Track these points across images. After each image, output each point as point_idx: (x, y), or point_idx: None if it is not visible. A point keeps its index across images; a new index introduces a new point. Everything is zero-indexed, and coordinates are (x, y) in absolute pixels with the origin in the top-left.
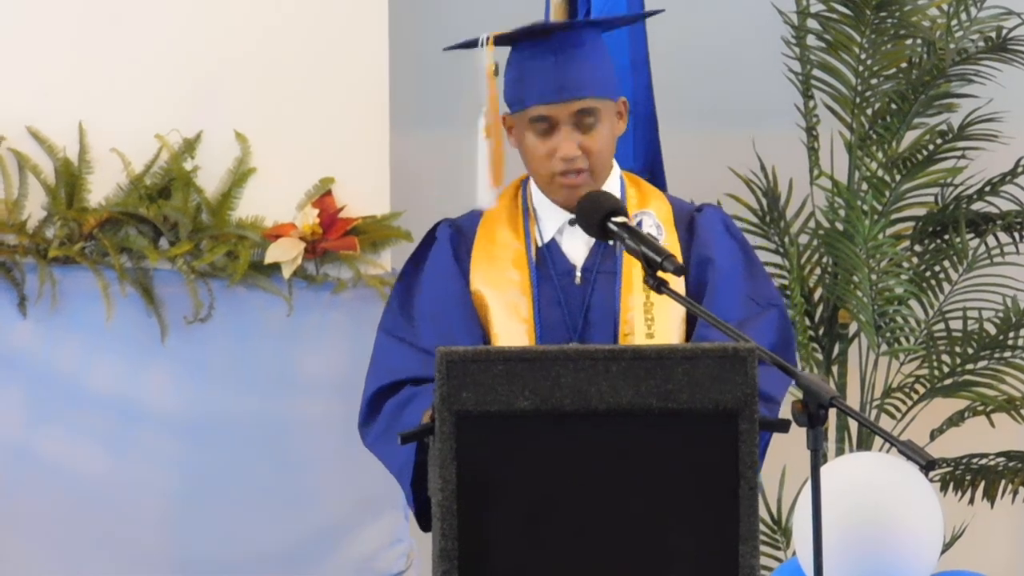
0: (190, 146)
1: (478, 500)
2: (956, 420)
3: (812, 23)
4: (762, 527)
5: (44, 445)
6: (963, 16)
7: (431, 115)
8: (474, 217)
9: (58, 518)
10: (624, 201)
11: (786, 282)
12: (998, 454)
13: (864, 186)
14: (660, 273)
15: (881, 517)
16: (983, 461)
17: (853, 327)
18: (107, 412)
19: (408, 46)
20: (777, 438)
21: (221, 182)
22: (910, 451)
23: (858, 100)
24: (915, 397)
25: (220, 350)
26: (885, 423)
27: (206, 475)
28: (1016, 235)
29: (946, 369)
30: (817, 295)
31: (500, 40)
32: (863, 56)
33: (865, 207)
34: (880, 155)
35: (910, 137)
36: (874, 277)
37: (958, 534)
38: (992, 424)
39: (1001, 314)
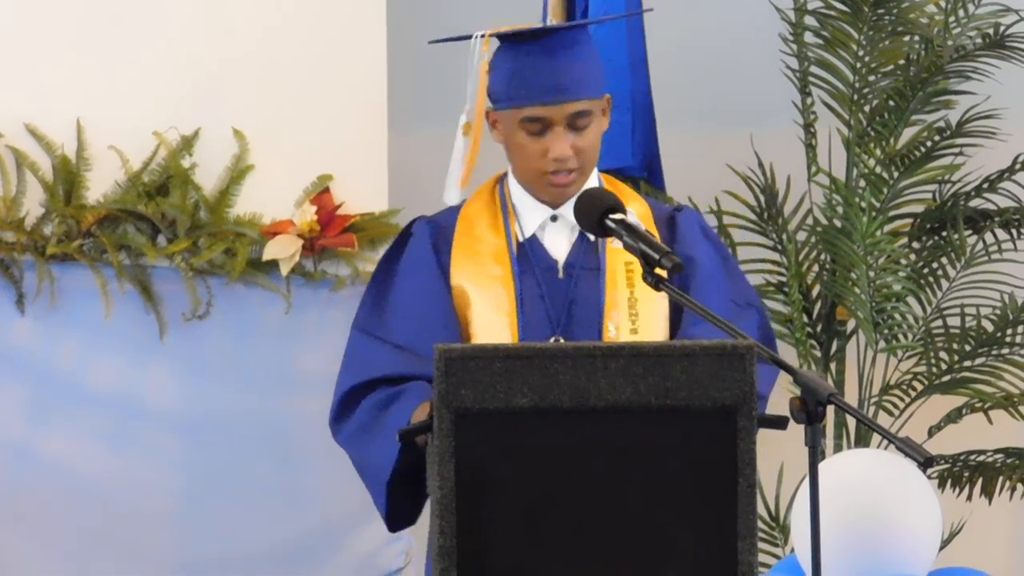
0: (188, 143)
1: (477, 498)
2: (954, 417)
3: (810, 20)
4: (760, 524)
5: (44, 443)
6: (961, 13)
7: (429, 112)
8: (451, 214)
9: (58, 515)
10: None
11: (784, 279)
12: (996, 451)
13: (862, 183)
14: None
15: (879, 514)
16: (981, 458)
17: (851, 324)
18: (107, 410)
19: (406, 43)
20: (775, 435)
21: (219, 179)
22: (908, 448)
23: (856, 97)
24: (913, 394)
25: (219, 347)
26: (883, 420)
27: (206, 472)
28: (1014, 232)
29: (944, 366)
30: (815, 292)
31: (497, 38)
32: (861, 53)
33: (863, 204)
34: (878, 152)
35: (908, 134)
36: (872, 274)
37: (956, 531)
38: (990, 421)
39: (999, 311)
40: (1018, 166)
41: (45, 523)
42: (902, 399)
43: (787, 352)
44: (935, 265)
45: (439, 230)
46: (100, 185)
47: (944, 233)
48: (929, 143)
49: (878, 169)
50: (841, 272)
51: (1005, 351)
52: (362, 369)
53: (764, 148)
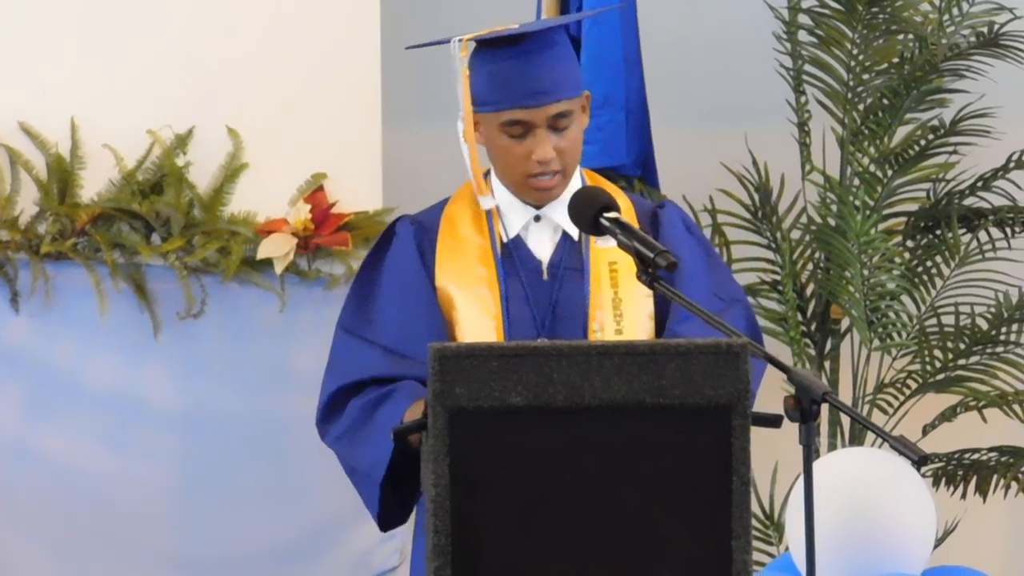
0: (182, 142)
1: (471, 496)
2: (948, 415)
3: (804, 19)
4: (754, 522)
5: (40, 441)
6: (955, 11)
7: (423, 111)
8: (434, 213)
9: (54, 514)
10: None
11: (778, 277)
12: (990, 449)
13: (856, 181)
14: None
15: (873, 512)
16: (975, 456)
17: (845, 322)
18: (102, 408)
19: (400, 42)
20: (769, 434)
21: (213, 178)
22: (902, 446)
23: (850, 95)
24: (907, 392)
25: (213, 346)
26: (877, 418)
27: (201, 471)
28: (1008, 230)
29: (938, 364)
30: (809, 290)
31: (475, 41)
32: (855, 51)
33: (857, 202)
34: (872, 150)
35: (902, 132)
36: (866, 272)
37: (950, 529)
38: (984, 419)
39: (993, 309)
40: (1012, 164)
41: (41, 522)
42: (896, 397)
43: (781, 351)
44: (929, 263)
45: (423, 230)
46: (94, 184)
47: (938, 231)
48: (923, 142)
49: (872, 167)
50: (835, 270)
51: (999, 349)
52: (349, 370)
53: (758, 146)
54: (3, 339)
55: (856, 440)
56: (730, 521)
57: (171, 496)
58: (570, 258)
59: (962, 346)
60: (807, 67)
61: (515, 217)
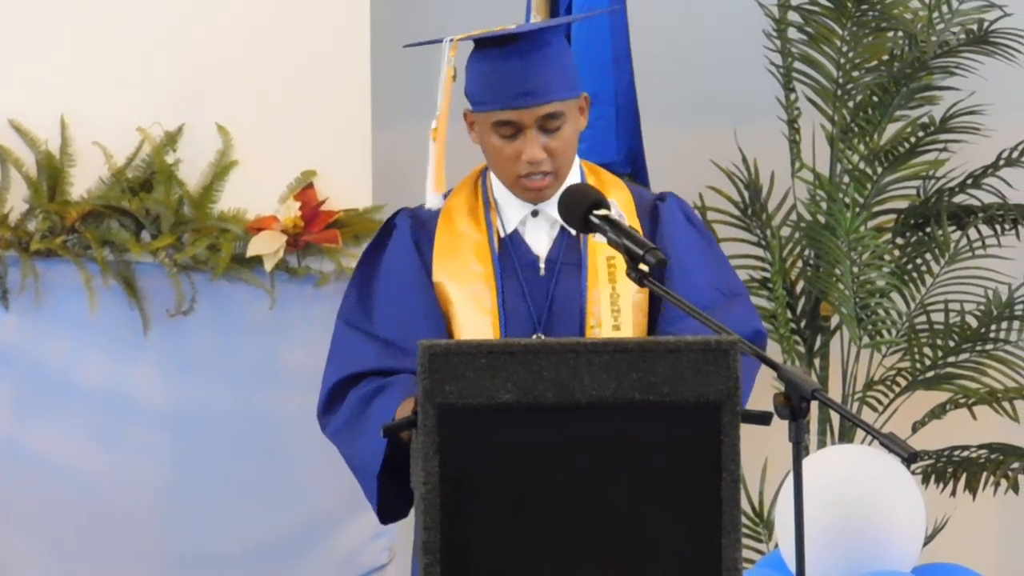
0: (172, 139)
1: (461, 493)
2: (938, 412)
3: (793, 16)
4: (744, 520)
5: (30, 438)
6: (944, 8)
7: (413, 108)
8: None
9: (44, 511)
10: None
11: (768, 275)
12: (980, 446)
13: (846, 179)
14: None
15: (863, 510)
16: (965, 453)
17: (835, 320)
18: (93, 405)
19: (390, 40)
20: (759, 431)
21: (203, 175)
22: (892, 444)
23: (839, 93)
24: (897, 390)
25: (203, 343)
26: (867, 416)
27: (192, 468)
28: (997, 228)
29: (928, 362)
30: (799, 288)
31: (475, 41)
32: (844, 49)
33: (847, 200)
34: (862, 148)
35: (892, 130)
36: (856, 270)
37: (940, 526)
38: (974, 416)
39: (983, 307)
40: (1002, 162)
41: (31, 519)
42: (886, 395)
43: (771, 348)
44: (919, 261)
45: (421, 224)
46: (84, 181)
47: (928, 229)
48: (913, 139)
49: (862, 165)
50: (825, 268)
51: (989, 347)
52: (348, 362)
53: (748, 144)
54: None
55: (846, 437)
56: (720, 518)
57: (161, 493)
58: (568, 253)
59: (952, 343)
60: (797, 64)
61: (513, 212)
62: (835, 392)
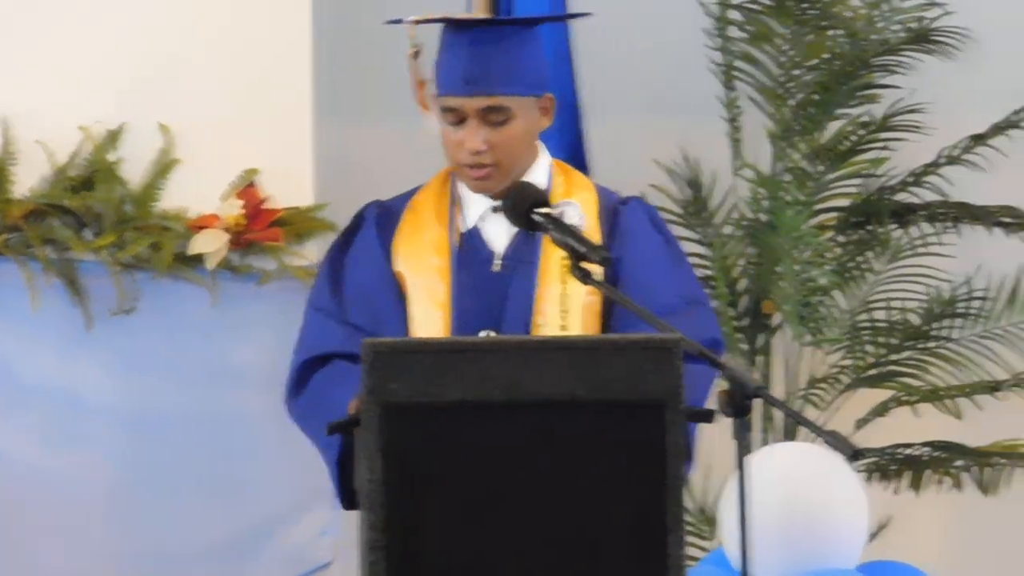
0: (114, 138)
1: (406, 491)
2: (881, 410)
3: (734, 14)
4: (688, 517)
5: None
6: (885, 7)
7: (356, 105)
8: (403, 200)
9: None
10: (549, 190)
11: (711, 273)
12: (923, 444)
13: (787, 177)
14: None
15: (807, 507)
16: (908, 451)
17: (777, 318)
18: (38, 403)
19: (331, 36)
20: (703, 428)
21: (145, 173)
22: (835, 441)
23: (781, 91)
24: (840, 387)
25: (147, 341)
26: (810, 413)
27: (139, 466)
28: (939, 226)
29: (870, 359)
30: (741, 286)
31: (431, 22)
32: (785, 47)
33: (788, 198)
34: (803, 146)
35: (833, 128)
36: (798, 268)
37: (884, 524)
38: (917, 414)
39: (925, 304)
40: (943, 160)
41: None
42: (829, 392)
43: None
44: (861, 259)
45: (388, 215)
46: (27, 180)
47: (870, 227)
48: (854, 137)
49: (804, 163)
50: (767, 266)
51: (931, 344)
52: (316, 344)
53: (690, 142)
54: None
55: (789, 435)
56: (664, 516)
57: (108, 490)
58: (524, 250)
59: (894, 341)
60: (738, 63)
61: (475, 207)
62: (778, 390)
